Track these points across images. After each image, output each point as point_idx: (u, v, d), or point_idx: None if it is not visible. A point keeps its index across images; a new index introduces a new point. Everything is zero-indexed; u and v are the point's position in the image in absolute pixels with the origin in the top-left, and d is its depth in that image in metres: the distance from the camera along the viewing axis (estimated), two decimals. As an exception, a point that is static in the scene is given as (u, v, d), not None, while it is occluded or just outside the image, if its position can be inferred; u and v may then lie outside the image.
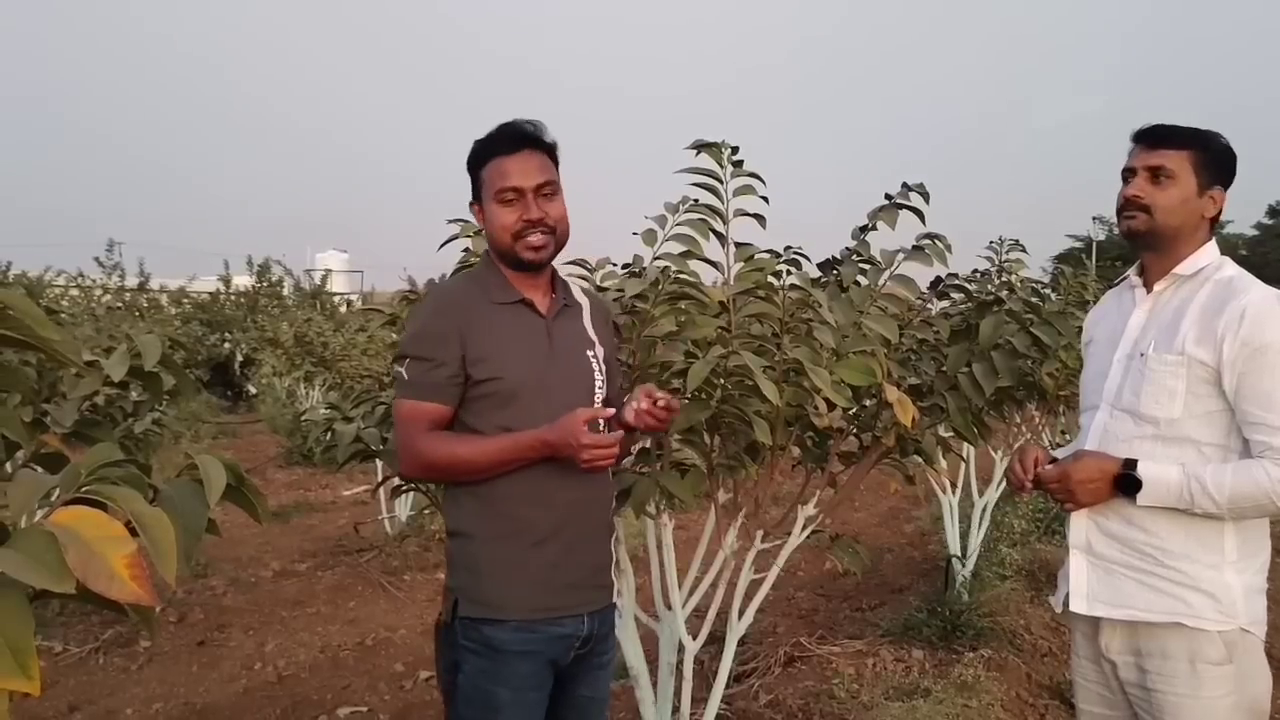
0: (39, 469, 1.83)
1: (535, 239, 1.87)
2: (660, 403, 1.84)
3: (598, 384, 1.96)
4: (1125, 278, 2.10)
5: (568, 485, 1.86)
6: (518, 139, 1.89)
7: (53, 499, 0.96)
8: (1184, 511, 1.85)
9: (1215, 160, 1.93)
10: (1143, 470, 1.85)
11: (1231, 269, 1.93)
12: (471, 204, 1.98)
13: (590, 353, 1.97)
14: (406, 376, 1.85)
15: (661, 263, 2.32)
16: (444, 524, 1.99)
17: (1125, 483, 1.87)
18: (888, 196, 2.53)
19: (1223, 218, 2.01)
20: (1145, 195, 1.93)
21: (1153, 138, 1.95)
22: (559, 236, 1.92)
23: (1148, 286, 2.00)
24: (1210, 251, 1.95)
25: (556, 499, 1.87)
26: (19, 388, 1.67)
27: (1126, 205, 1.95)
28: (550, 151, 1.93)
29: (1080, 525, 1.99)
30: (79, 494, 0.94)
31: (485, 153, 1.90)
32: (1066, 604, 2.02)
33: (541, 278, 1.95)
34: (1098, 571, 1.96)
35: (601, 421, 1.81)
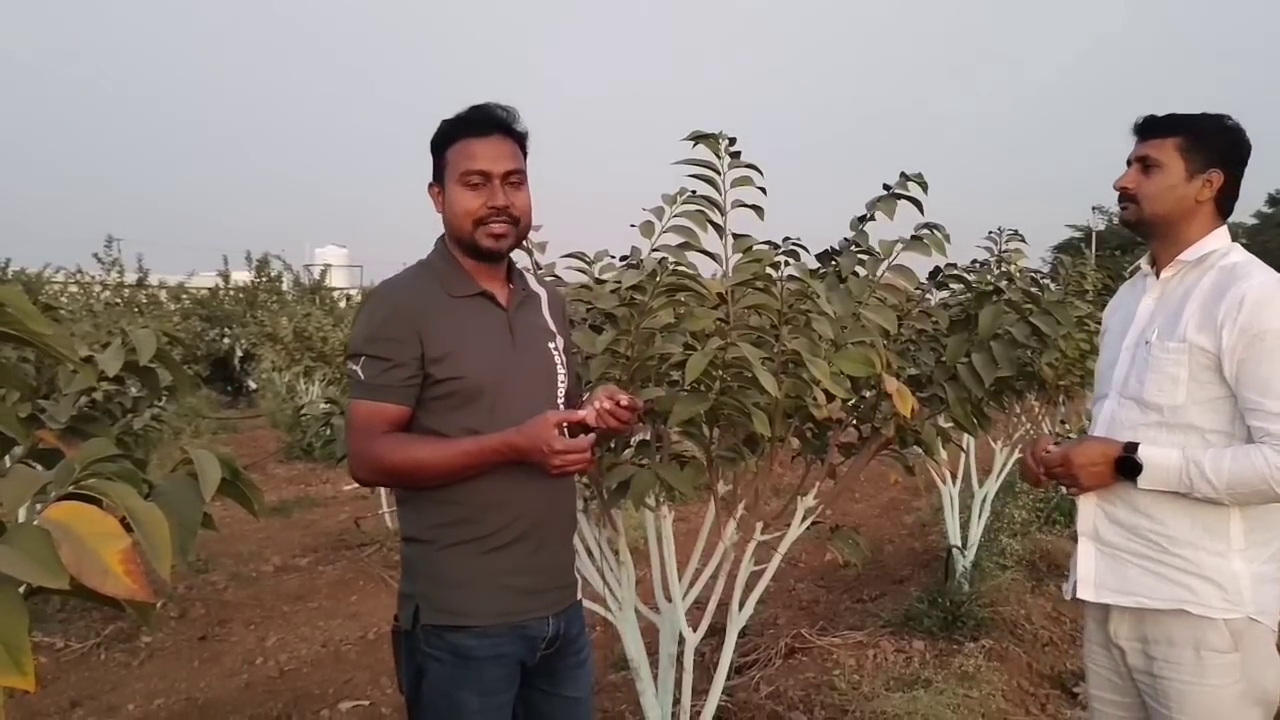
0: (36, 465, 1.82)
1: (497, 227, 1.80)
2: (623, 402, 1.76)
3: (560, 377, 1.91)
4: (1137, 267, 2.12)
5: (530, 488, 1.80)
6: (490, 123, 1.82)
7: (48, 495, 0.96)
8: (1189, 498, 1.85)
9: (1207, 143, 1.93)
10: (1143, 453, 1.86)
11: (1238, 255, 1.93)
12: (431, 186, 1.88)
13: (552, 345, 1.92)
14: (362, 376, 1.76)
15: (659, 254, 2.32)
16: (400, 528, 1.91)
17: (1126, 465, 1.87)
18: (886, 187, 2.53)
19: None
20: (1133, 185, 1.97)
21: (1143, 128, 1.99)
22: (521, 228, 1.85)
23: (1157, 274, 2.01)
24: (1218, 237, 1.95)
25: (519, 503, 1.81)
26: (15, 384, 1.67)
27: (1119, 197, 2.01)
28: (521, 141, 1.86)
29: (1088, 513, 2.00)
30: (73, 490, 0.94)
31: (453, 133, 1.82)
32: (1076, 591, 2.02)
33: (499, 268, 1.88)
34: (1105, 559, 1.96)
35: (567, 426, 1.73)
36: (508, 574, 1.82)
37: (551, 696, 1.95)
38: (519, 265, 2.02)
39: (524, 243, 2.33)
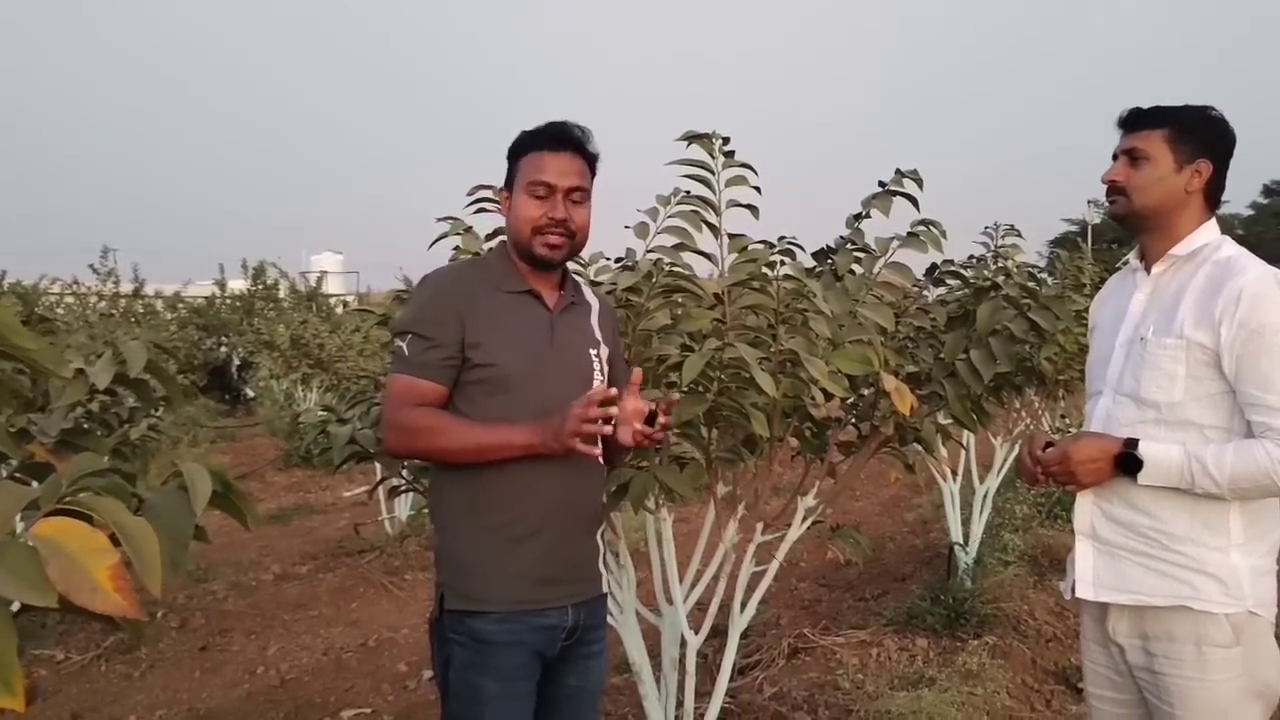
0: (31, 480, 1.80)
1: (553, 238, 1.89)
2: (654, 419, 1.81)
3: (596, 382, 1.96)
4: (1126, 261, 2.11)
5: (551, 483, 1.86)
6: (563, 139, 1.92)
7: (36, 510, 0.94)
8: (1188, 494, 1.83)
9: (1194, 133, 1.92)
10: (1144, 449, 1.84)
11: (1231, 249, 1.91)
12: (501, 190, 2.01)
13: (593, 351, 1.98)
14: (406, 352, 1.86)
15: (654, 255, 2.31)
16: (430, 517, 2.00)
17: (1126, 462, 1.86)
18: (881, 184, 2.51)
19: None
20: (1121, 178, 1.95)
21: (1129, 121, 1.98)
22: (576, 242, 1.94)
23: (1148, 268, 2.00)
24: (1208, 231, 1.94)
25: (539, 496, 1.87)
26: (7, 398, 1.65)
27: (1108, 190, 1.99)
28: (591, 161, 1.96)
29: (1085, 511, 1.98)
30: (61, 505, 0.92)
31: (529, 144, 1.93)
32: (1075, 590, 2.00)
33: (552, 275, 1.97)
34: (1103, 557, 1.95)
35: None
36: (526, 563, 1.87)
37: (559, 685, 1.99)
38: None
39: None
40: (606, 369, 2.00)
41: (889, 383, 2.37)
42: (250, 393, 16.85)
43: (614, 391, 1.78)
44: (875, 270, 2.52)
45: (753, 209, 2.33)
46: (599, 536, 2.02)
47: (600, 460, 1.98)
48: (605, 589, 2.04)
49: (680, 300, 2.32)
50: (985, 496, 5.21)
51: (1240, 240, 1.96)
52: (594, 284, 2.53)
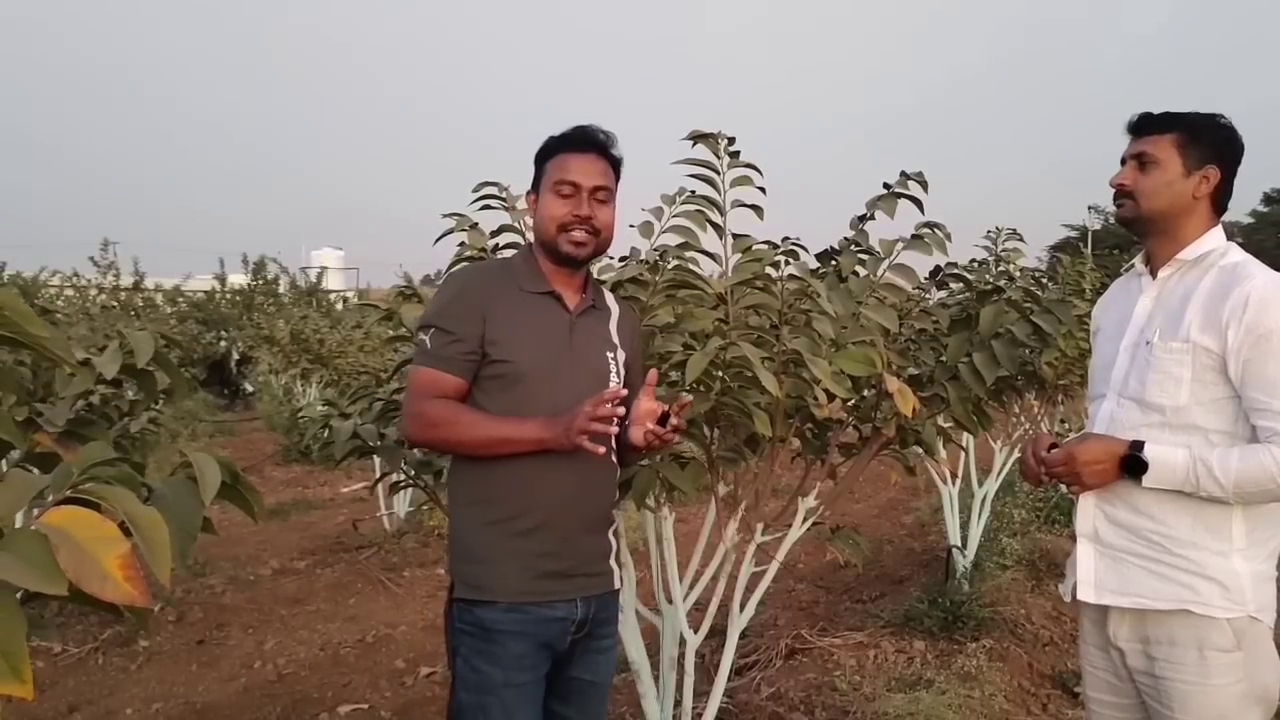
0: (34, 469, 1.80)
1: (578, 235, 1.94)
2: (658, 427, 1.84)
3: (613, 383, 1.98)
4: (1131, 266, 2.11)
5: (558, 479, 1.90)
6: (588, 141, 1.99)
7: (45, 499, 0.95)
8: (1191, 498, 1.84)
9: (1203, 139, 1.93)
10: (1149, 452, 1.85)
11: (1237, 254, 1.92)
12: (528, 193, 2.07)
13: (611, 355, 2.02)
14: (429, 345, 1.91)
15: (659, 250, 2.31)
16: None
17: (1132, 464, 1.86)
18: (886, 185, 2.52)
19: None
20: (1130, 182, 1.96)
21: (1139, 126, 1.99)
22: (601, 240, 1.99)
23: (1153, 273, 2.00)
24: (1215, 236, 1.94)
25: (546, 492, 1.91)
26: (11, 387, 1.65)
27: (1116, 195, 2.00)
28: (615, 164, 2.02)
29: (1088, 513, 1.98)
30: (71, 494, 0.93)
31: (555, 147, 2.00)
32: (1075, 593, 2.00)
33: (576, 277, 2.01)
34: (1105, 560, 1.95)
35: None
36: (532, 557, 1.91)
37: (568, 678, 2.01)
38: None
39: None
40: (623, 372, 2.03)
41: (892, 384, 2.37)
42: (249, 387, 16.84)
43: (624, 392, 1.79)
44: (879, 272, 2.52)
45: (757, 209, 2.33)
46: (610, 533, 2.05)
47: (613, 459, 2.00)
48: (617, 585, 2.06)
49: (684, 298, 2.33)
50: (984, 500, 5.21)
51: (1241, 248, 1.96)
52: (600, 280, 2.54)
